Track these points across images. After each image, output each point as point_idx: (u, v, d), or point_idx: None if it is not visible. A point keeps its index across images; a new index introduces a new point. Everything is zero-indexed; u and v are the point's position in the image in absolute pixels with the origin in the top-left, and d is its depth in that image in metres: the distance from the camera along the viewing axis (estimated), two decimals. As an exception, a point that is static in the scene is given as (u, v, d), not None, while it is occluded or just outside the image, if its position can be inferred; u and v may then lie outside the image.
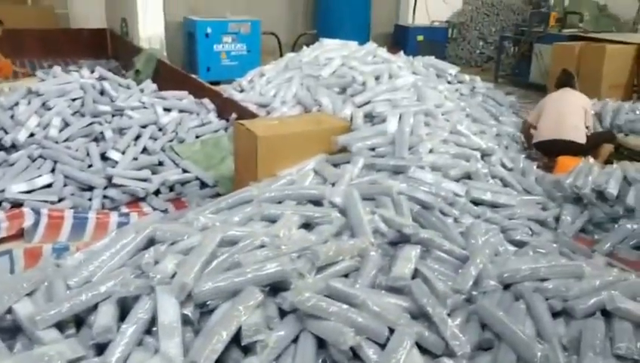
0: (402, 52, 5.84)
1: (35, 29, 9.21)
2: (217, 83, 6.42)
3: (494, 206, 3.22)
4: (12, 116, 4.20)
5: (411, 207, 2.78)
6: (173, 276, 1.86)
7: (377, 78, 4.57)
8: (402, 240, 2.36)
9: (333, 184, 2.98)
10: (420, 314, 1.97)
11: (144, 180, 3.83)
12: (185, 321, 1.78)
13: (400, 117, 3.56)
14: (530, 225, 3.19)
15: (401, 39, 9.77)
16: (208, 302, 1.84)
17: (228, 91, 5.64)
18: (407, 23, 10.23)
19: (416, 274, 2.13)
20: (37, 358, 1.53)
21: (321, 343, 1.84)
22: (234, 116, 4.68)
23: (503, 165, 3.74)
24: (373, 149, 3.37)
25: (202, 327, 1.81)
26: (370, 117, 3.91)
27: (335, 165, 3.25)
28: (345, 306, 1.84)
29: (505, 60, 9.25)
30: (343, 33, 6.97)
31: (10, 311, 1.82)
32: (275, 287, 1.94)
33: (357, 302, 1.87)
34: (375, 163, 3.20)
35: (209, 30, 8.02)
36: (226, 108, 4.97)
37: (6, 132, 4.05)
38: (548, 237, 3.18)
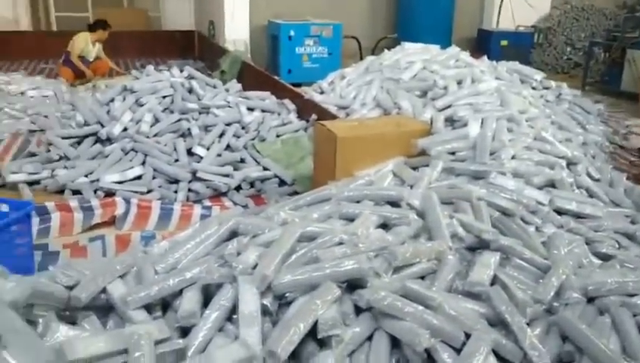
0: (485, 57, 5.71)
1: (130, 31, 9.76)
2: (298, 85, 6.55)
3: (579, 216, 3.09)
4: (108, 112, 4.49)
5: (491, 213, 2.72)
6: (254, 267, 1.93)
7: (459, 82, 4.50)
8: (480, 245, 2.33)
9: (411, 187, 2.97)
10: (497, 322, 1.93)
11: (227, 176, 3.98)
12: (264, 311, 1.84)
13: (482, 122, 3.49)
14: (617, 238, 3.03)
15: (484, 44, 9.55)
16: (286, 294, 1.90)
17: (308, 92, 5.74)
18: (491, 27, 9.99)
19: (494, 281, 2.09)
20: (128, 336, 1.63)
21: (395, 343, 1.85)
22: (314, 116, 4.76)
23: (589, 175, 3.58)
24: (453, 153, 3.32)
25: (280, 318, 1.86)
26: (451, 121, 3.86)
27: (414, 168, 3.24)
28: (421, 308, 1.83)
29: (594, 67, 8.83)
30: (424, 37, 6.91)
31: (104, 291, 1.95)
32: (352, 284, 1.96)
33: (433, 305, 1.86)
34: (455, 167, 3.16)
35: (292, 33, 8.18)
36: (306, 109, 5.07)
37: (102, 126, 4.32)
38: (636, 251, 3.01)
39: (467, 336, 1.80)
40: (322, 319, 1.76)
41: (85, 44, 7.51)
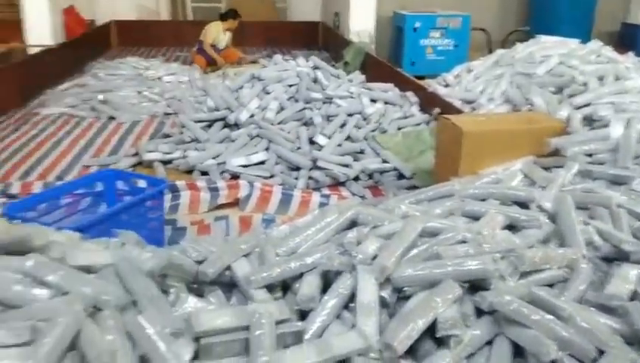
0: (630, 53, 5.24)
1: (258, 21, 10.12)
2: (421, 78, 6.43)
3: None
4: (237, 98, 4.68)
5: (631, 223, 2.49)
6: (374, 258, 1.91)
7: (600, 79, 4.17)
8: (618, 256, 2.14)
9: (542, 188, 2.80)
10: (635, 340, 1.76)
11: (346, 165, 4.00)
12: (382, 302, 1.82)
13: (627, 122, 3.20)
14: None
15: (629, 39, 8.78)
16: (405, 288, 1.86)
17: (432, 85, 5.61)
18: (638, 21, 9.15)
19: (634, 296, 1.91)
20: (250, 313, 1.68)
21: (518, 351, 1.75)
22: (437, 110, 4.64)
23: None
24: (590, 155, 3.08)
25: (397, 312, 1.83)
26: (589, 120, 3.58)
27: (545, 169, 3.05)
28: (549, 317, 1.72)
29: None
30: (561, 30, 6.49)
31: (229, 268, 2.02)
32: (473, 285, 1.88)
33: (563, 315, 1.73)
34: (592, 171, 2.92)
35: (417, 25, 8.04)
36: (429, 102, 4.95)
37: (231, 111, 4.52)
38: None
39: (600, 352, 1.66)
40: (442, 317, 1.71)
41: (217, 33, 7.91)
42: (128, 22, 10.26)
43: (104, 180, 3.16)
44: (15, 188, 3.72)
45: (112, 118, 5.56)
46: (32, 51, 7.42)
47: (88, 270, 1.75)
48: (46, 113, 5.75)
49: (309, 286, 1.88)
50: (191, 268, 1.92)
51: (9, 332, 1.41)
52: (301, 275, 1.97)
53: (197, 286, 1.95)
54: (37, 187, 3.74)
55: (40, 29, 7.59)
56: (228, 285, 2.04)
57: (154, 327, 1.52)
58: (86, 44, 8.63)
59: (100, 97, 5.89)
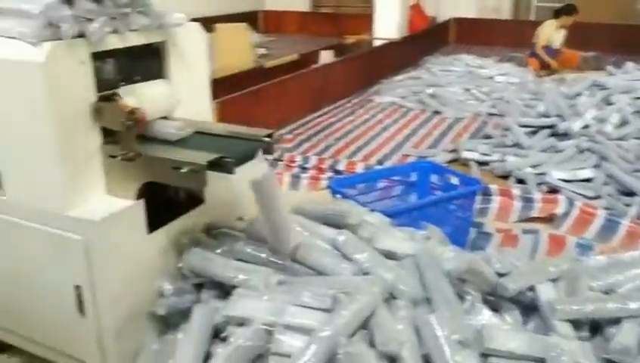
0: None
1: (606, 23, 9.09)
2: None
3: None
4: (572, 106, 4.28)
5: None
6: None
7: None
8: None
9: None
10: None
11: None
12: None
13: None
14: None
15: None
16: None
17: None
18: None
19: None
20: (549, 347, 1.51)
21: None
22: None
23: None
24: None
25: None
26: None
27: None
28: None
29: None
30: None
31: (532, 288, 1.85)
32: None
33: None
34: None
35: None
36: None
37: (563, 119, 4.16)
38: None
39: None
40: None
41: (550, 33, 7.38)
42: (467, 19, 10.38)
43: (419, 171, 3.24)
44: (342, 165, 4.11)
45: (437, 112, 5.70)
46: (377, 43, 8.11)
47: (391, 255, 1.80)
48: (379, 100, 6.23)
49: (627, 335, 1.59)
50: (492, 279, 1.81)
51: (314, 296, 1.54)
52: (618, 320, 1.68)
53: (494, 299, 1.83)
54: (359, 168, 4.06)
55: (388, 23, 8.24)
56: (528, 307, 1.87)
57: (443, 330, 1.48)
58: (425, 40, 9.04)
59: (430, 90, 6.10)
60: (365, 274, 1.67)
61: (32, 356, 2.07)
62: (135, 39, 1.79)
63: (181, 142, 1.80)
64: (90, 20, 1.61)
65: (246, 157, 1.72)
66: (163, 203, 1.94)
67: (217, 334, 1.64)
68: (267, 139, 1.86)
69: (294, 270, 1.72)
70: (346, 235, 1.77)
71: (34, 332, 1.98)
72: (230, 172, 1.64)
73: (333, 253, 1.74)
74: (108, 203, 1.76)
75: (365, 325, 1.52)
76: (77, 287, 1.74)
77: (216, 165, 1.63)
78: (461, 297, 1.71)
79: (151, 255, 1.84)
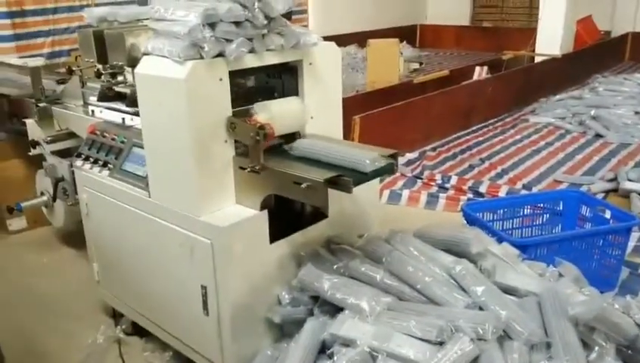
0: None
1: None
2: None
3: None
4: None
5: None
6: None
7: None
8: None
9: None
10: None
11: None
12: None
13: None
14: None
15: None
16: None
17: None
18: None
19: None
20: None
21: None
22: None
23: None
24: None
25: None
26: None
27: None
28: None
29: None
30: None
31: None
32: None
33: None
34: None
35: None
36: None
37: None
38: None
39: None
40: None
41: None
42: (648, 34, 9.38)
43: (566, 200, 2.99)
44: (483, 187, 3.93)
45: (599, 135, 5.22)
46: (538, 59, 7.63)
47: (512, 291, 1.68)
48: (534, 120, 5.86)
49: None
50: (629, 330, 1.61)
51: (421, 325, 1.49)
52: None
53: (631, 353, 1.63)
54: (503, 191, 3.85)
55: (551, 37, 7.71)
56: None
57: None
58: (594, 56, 8.32)
59: (592, 112, 5.60)
60: (480, 308, 1.58)
61: (165, 345, 2.26)
62: (271, 58, 1.89)
63: (305, 158, 1.85)
64: (229, 40, 1.73)
65: (366, 177, 1.72)
66: (289, 215, 2.02)
67: (324, 349, 1.66)
68: (391, 161, 1.83)
69: (405, 295, 1.68)
70: (464, 265, 1.69)
71: (166, 323, 2.16)
72: (348, 191, 1.65)
73: (449, 282, 1.67)
74: (236, 211, 1.86)
75: (473, 363, 1.44)
76: (203, 287, 1.87)
77: (335, 184, 1.65)
78: (588, 346, 1.55)
79: (271, 263, 1.91)
